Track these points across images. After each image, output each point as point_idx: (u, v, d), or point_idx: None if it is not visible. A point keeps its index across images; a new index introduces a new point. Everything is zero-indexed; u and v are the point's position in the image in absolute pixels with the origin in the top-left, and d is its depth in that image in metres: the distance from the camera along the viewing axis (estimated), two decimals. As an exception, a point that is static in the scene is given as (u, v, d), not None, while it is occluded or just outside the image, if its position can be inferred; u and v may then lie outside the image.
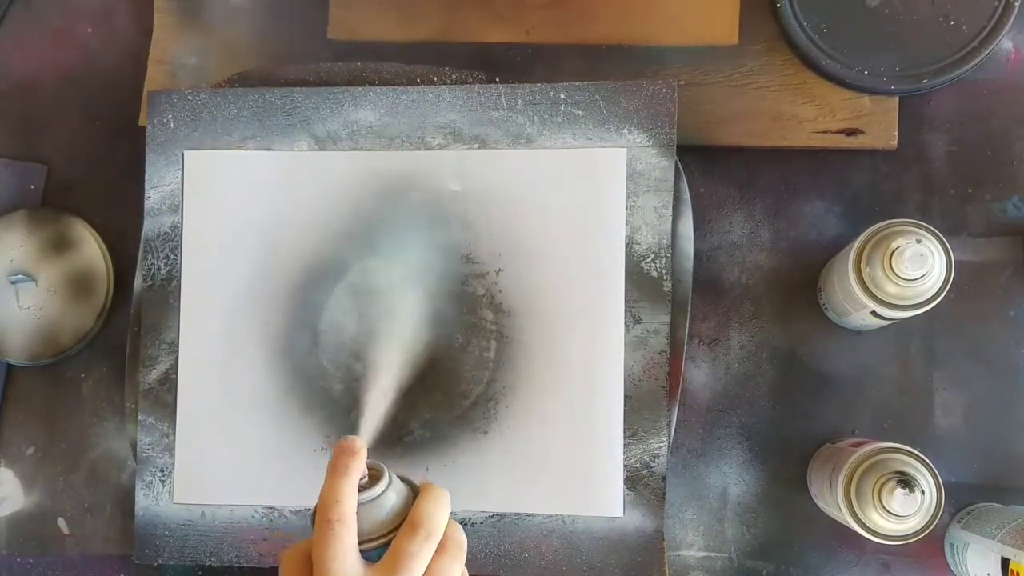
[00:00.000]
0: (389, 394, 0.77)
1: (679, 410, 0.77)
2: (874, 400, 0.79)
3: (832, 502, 0.70)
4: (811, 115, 0.80)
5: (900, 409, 0.78)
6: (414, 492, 0.61)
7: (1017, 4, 0.77)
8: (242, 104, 0.82)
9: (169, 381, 0.81)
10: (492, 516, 0.78)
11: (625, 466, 0.76)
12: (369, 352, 0.80)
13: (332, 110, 0.81)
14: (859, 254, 0.69)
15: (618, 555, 0.76)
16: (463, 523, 0.78)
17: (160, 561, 0.80)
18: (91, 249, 0.84)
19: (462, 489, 0.78)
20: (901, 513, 0.66)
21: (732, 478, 0.79)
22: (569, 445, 0.77)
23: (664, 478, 0.76)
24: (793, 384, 0.79)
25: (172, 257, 0.82)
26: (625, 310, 0.77)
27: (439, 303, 0.79)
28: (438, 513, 0.59)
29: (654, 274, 0.77)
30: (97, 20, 0.88)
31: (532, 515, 0.77)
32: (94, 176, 0.87)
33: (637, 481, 0.76)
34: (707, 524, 0.79)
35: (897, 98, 0.79)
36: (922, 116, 0.80)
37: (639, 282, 0.77)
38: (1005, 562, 0.68)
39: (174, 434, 0.80)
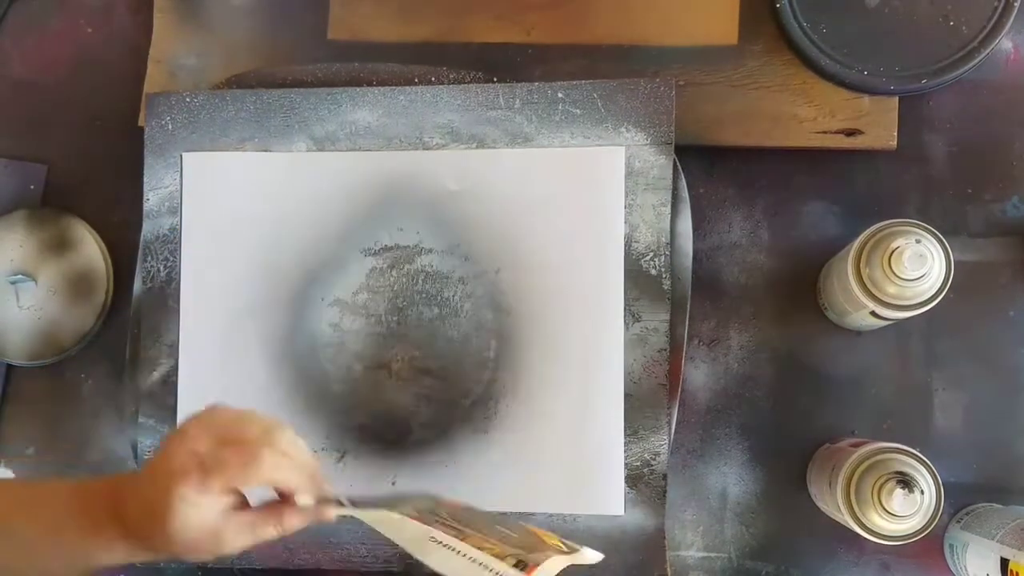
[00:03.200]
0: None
1: (679, 410, 0.77)
2: (874, 400, 0.79)
3: (832, 502, 0.70)
4: (811, 115, 0.79)
5: (900, 409, 0.78)
6: None
7: (1017, 4, 0.77)
8: (240, 106, 0.82)
9: (169, 383, 0.81)
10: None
11: (626, 464, 0.76)
12: (369, 353, 0.80)
13: (330, 111, 0.81)
14: (859, 254, 0.69)
15: (620, 553, 0.76)
16: (465, 523, 0.78)
17: (160, 563, 0.80)
18: (91, 249, 0.84)
19: (463, 489, 0.78)
20: (901, 513, 0.66)
21: (732, 478, 0.79)
22: (570, 444, 0.77)
23: (665, 476, 0.76)
24: (793, 384, 0.79)
25: (171, 259, 0.82)
26: (624, 308, 0.77)
27: (438, 303, 0.79)
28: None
29: (653, 272, 0.77)
30: (97, 20, 0.88)
31: (533, 514, 0.77)
32: (94, 176, 0.87)
33: (638, 479, 0.76)
34: (707, 524, 0.79)
35: (897, 98, 0.79)
36: (922, 116, 0.80)
37: (638, 280, 0.77)
38: (1004, 562, 0.68)
39: (174, 435, 0.80)
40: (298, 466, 0.59)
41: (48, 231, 0.84)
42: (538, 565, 0.61)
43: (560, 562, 0.61)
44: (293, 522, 0.59)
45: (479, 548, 0.64)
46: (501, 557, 0.63)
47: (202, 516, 0.57)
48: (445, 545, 0.64)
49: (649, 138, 0.78)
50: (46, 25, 0.89)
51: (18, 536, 0.61)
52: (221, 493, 0.57)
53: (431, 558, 0.63)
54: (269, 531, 0.59)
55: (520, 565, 0.63)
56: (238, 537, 0.58)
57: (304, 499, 0.59)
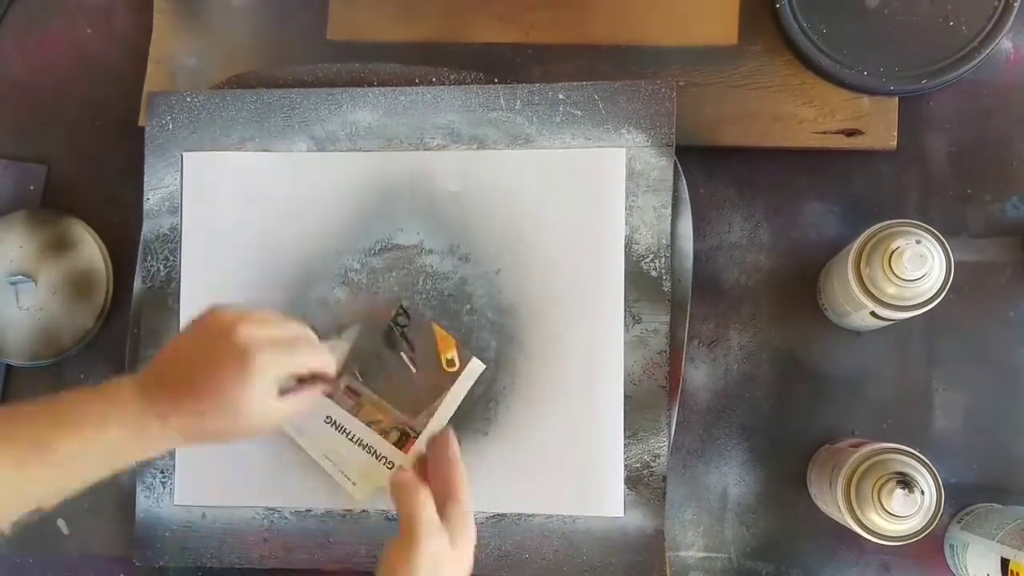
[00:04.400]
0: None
1: (679, 411, 0.77)
2: (874, 400, 0.79)
3: (832, 502, 0.70)
4: (811, 115, 0.79)
5: (900, 409, 0.78)
6: None
7: (1017, 4, 0.77)
8: (240, 105, 0.82)
9: (168, 382, 0.81)
10: (493, 517, 0.78)
11: (625, 466, 0.76)
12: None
13: (331, 111, 0.81)
14: (859, 255, 0.69)
15: (619, 555, 0.76)
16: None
17: (161, 563, 0.80)
18: (91, 250, 0.84)
19: (462, 489, 0.78)
20: (901, 513, 0.66)
21: (732, 478, 0.79)
22: (569, 445, 0.77)
23: (665, 478, 0.76)
24: (793, 384, 0.79)
25: (171, 259, 0.82)
26: (625, 310, 0.77)
27: (439, 303, 0.79)
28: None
29: (653, 274, 0.77)
30: (97, 20, 0.88)
31: (533, 515, 0.77)
32: (94, 176, 0.87)
33: (637, 481, 0.76)
34: (707, 524, 0.79)
35: (897, 98, 0.79)
36: (922, 116, 0.80)
37: (639, 282, 0.77)
38: (1005, 563, 0.68)
39: (174, 435, 0.80)
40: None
41: (48, 231, 0.84)
42: (418, 436, 0.76)
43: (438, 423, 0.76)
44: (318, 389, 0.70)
45: (369, 422, 0.77)
46: (386, 431, 0.76)
47: (270, 388, 0.64)
48: (337, 426, 0.77)
49: (650, 140, 0.78)
50: (46, 25, 0.89)
51: (59, 453, 0.62)
52: (286, 373, 0.66)
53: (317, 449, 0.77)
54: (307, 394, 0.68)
55: (402, 439, 0.77)
56: (287, 403, 0.66)
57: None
